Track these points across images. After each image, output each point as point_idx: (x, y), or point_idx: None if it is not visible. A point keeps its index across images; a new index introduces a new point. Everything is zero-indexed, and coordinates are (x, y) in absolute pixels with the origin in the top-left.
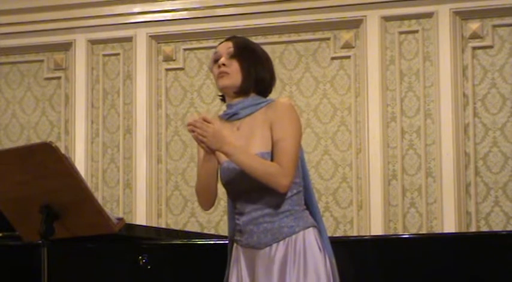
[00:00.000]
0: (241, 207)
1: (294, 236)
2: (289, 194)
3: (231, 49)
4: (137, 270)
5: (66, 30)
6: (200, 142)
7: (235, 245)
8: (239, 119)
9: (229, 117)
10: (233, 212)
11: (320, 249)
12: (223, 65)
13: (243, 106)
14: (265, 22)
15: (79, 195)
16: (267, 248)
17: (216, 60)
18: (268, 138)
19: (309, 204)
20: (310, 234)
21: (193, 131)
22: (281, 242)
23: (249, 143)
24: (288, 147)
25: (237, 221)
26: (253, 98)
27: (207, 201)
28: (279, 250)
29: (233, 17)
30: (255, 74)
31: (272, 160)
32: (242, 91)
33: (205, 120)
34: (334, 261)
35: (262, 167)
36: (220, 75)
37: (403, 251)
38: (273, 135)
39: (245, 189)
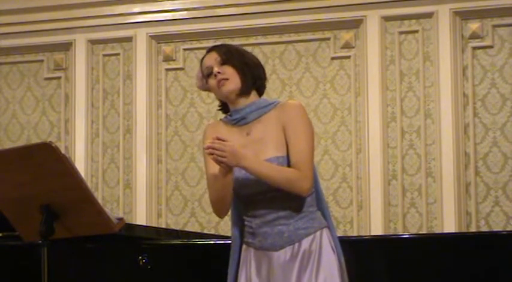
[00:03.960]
0: (254, 210)
1: (309, 237)
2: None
3: (219, 58)
4: (137, 270)
5: (66, 30)
6: (220, 163)
7: (244, 246)
8: (247, 123)
9: (237, 122)
10: (240, 215)
11: (333, 250)
12: (219, 73)
13: (250, 110)
14: (265, 22)
15: (79, 195)
16: (282, 250)
17: (209, 75)
18: (283, 141)
19: (320, 204)
20: (324, 235)
21: (212, 154)
22: (296, 244)
23: (262, 147)
24: (304, 150)
25: (249, 224)
26: (258, 100)
27: (224, 210)
28: (294, 252)
29: (233, 17)
30: (250, 71)
31: (288, 163)
32: (245, 91)
33: (219, 139)
34: (343, 260)
35: (282, 175)
36: (221, 83)
37: (403, 251)
38: (287, 138)
39: (259, 192)
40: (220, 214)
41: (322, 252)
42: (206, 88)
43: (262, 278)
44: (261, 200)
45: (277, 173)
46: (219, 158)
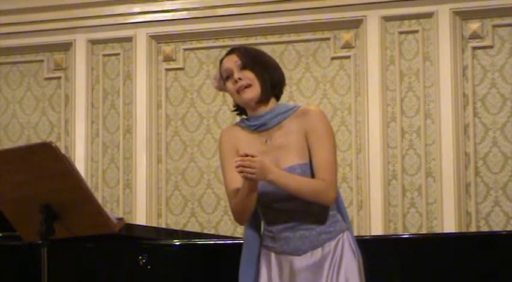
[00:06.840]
0: (275, 216)
1: (332, 242)
2: None
3: (239, 62)
4: (137, 270)
5: (66, 30)
6: (250, 179)
7: (264, 250)
8: (266, 129)
9: (256, 128)
10: (258, 218)
11: (354, 252)
12: (240, 79)
13: (271, 116)
14: (265, 22)
15: (79, 195)
16: (304, 255)
17: (227, 77)
18: (305, 148)
19: (338, 206)
20: (345, 238)
21: (242, 172)
22: (319, 248)
23: (284, 154)
24: (328, 158)
25: (269, 228)
26: (278, 106)
27: (246, 219)
28: (318, 257)
29: (233, 17)
30: (269, 77)
31: (311, 169)
32: (264, 99)
33: (247, 155)
34: (361, 260)
35: (308, 187)
36: (241, 90)
37: (403, 251)
38: (310, 145)
39: (280, 199)
40: (242, 222)
41: (344, 254)
42: (223, 89)
43: (282, 280)
44: (283, 206)
45: (304, 186)
46: (249, 176)
